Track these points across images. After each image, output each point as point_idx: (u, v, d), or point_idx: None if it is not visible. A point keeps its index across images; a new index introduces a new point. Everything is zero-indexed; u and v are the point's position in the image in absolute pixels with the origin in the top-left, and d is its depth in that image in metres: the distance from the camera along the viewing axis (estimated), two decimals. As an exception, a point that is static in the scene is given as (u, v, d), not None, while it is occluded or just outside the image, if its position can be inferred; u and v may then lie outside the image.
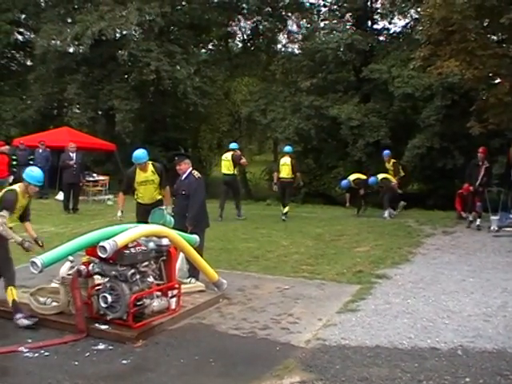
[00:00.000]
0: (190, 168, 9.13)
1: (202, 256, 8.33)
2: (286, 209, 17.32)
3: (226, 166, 17.29)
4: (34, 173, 7.25)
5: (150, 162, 10.16)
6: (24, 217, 7.53)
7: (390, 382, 5.32)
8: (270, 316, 7.42)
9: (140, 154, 9.97)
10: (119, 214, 10.25)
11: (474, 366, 5.67)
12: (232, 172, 17.32)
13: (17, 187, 7.26)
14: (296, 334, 6.73)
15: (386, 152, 18.55)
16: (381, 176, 17.81)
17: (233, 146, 17.81)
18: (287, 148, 18.68)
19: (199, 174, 9.09)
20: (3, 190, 7.33)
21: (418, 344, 6.33)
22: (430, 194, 22.83)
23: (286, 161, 17.59)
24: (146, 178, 10.06)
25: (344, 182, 18.21)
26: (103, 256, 6.51)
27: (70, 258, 7.05)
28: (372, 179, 17.80)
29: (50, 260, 6.53)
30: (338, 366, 5.70)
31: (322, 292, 8.68)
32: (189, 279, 8.59)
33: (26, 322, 6.82)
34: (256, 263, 10.84)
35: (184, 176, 9.08)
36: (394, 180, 17.71)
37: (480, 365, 5.71)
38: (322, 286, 9.08)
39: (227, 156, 17.36)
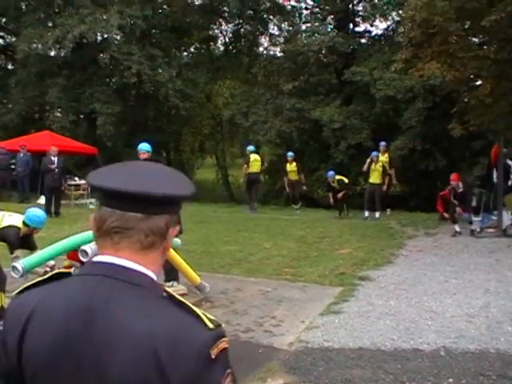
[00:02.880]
0: None
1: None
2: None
3: (257, 165, 19.99)
4: (40, 218, 7.10)
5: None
6: None
7: (373, 383, 5.31)
8: (253, 319, 7.40)
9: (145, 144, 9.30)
10: None
11: (457, 367, 5.68)
12: (260, 170, 20.56)
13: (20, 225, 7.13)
14: (279, 336, 6.71)
15: (382, 143, 18.74)
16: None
17: (252, 148, 20.46)
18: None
19: None
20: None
21: (401, 345, 6.33)
22: (412, 196, 22.87)
23: (256, 157, 20.08)
24: None
25: (330, 173, 18.45)
26: (84, 260, 6.44)
27: (52, 262, 6.98)
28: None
29: (31, 264, 6.46)
30: (321, 368, 5.68)
31: (305, 294, 8.67)
32: (170, 283, 8.55)
33: None
34: (238, 266, 10.82)
35: None
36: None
37: (463, 365, 5.72)
38: (305, 288, 9.08)
39: (256, 157, 20.10)
